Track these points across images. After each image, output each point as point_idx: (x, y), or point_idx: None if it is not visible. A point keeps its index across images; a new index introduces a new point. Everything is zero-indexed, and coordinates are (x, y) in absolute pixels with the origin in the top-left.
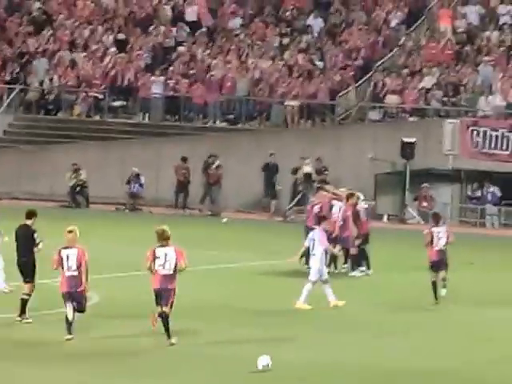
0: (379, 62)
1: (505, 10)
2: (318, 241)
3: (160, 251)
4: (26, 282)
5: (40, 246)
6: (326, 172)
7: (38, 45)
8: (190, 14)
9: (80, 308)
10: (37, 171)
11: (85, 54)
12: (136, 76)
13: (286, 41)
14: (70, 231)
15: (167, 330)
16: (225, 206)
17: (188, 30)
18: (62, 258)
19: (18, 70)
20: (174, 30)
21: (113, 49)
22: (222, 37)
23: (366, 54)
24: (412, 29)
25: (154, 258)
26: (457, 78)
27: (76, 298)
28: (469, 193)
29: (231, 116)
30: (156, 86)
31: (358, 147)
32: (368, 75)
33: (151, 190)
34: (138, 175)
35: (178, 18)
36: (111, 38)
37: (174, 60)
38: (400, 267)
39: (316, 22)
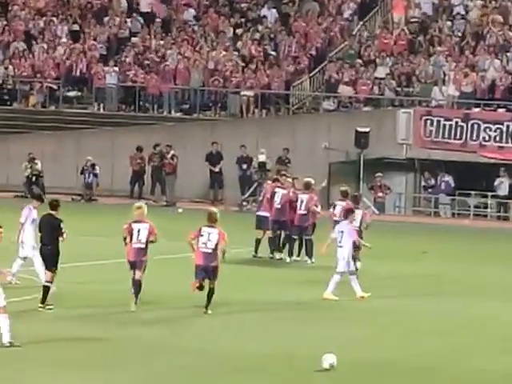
0: (333, 52)
1: (458, 1)
2: (346, 233)
3: (205, 230)
4: (48, 269)
5: (65, 235)
6: (289, 164)
7: None
8: (145, 5)
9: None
10: None
11: (39, 44)
12: (90, 66)
13: (240, 31)
14: (139, 207)
15: (209, 301)
16: (180, 196)
17: (142, 21)
18: (132, 230)
19: None
20: (129, 21)
21: (67, 39)
22: (176, 28)
23: (320, 44)
24: (366, 19)
25: (199, 235)
26: (410, 68)
27: (138, 266)
28: (423, 182)
29: (186, 106)
30: (110, 77)
31: (313, 137)
32: (322, 65)
33: (106, 180)
34: (93, 165)
35: (132, 9)
36: (66, 28)
37: (128, 51)
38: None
39: (270, 13)
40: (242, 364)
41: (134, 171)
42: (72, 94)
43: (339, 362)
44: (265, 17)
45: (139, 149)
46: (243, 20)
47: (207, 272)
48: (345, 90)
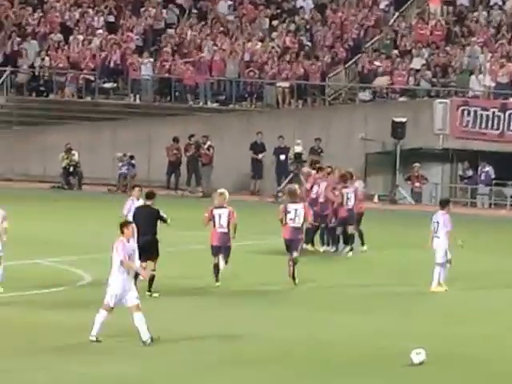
0: (369, 43)
1: None
2: (441, 223)
3: (291, 207)
4: (150, 259)
5: (169, 220)
6: (322, 153)
7: (29, 27)
8: None
9: (225, 259)
10: (29, 152)
11: (75, 36)
12: (126, 58)
13: (275, 22)
14: (222, 193)
15: (294, 273)
16: (216, 186)
17: (178, 12)
18: (214, 216)
19: (8, 51)
20: (165, 12)
21: (103, 31)
22: (212, 19)
23: (356, 35)
24: (402, 9)
25: (286, 212)
26: (446, 58)
27: (224, 251)
28: (460, 172)
29: (222, 97)
30: (146, 68)
31: (349, 127)
32: (357, 56)
33: (143, 171)
34: (131, 156)
35: (168, 0)
36: (102, 19)
37: (164, 42)
38: (393, 245)
39: (306, 3)
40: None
41: (171, 162)
42: (108, 85)
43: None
44: (301, 7)
45: (175, 139)
46: (279, 11)
47: (291, 245)
48: (381, 81)
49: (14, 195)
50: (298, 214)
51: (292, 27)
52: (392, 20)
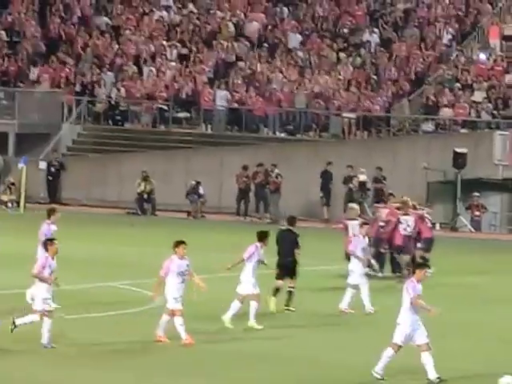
0: (432, 77)
1: None
2: None
3: (403, 218)
4: (291, 277)
5: (299, 250)
6: (384, 181)
7: (107, 58)
8: (251, 30)
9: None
10: (105, 179)
11: (150, 67)
12: (198, 88)
13: (342, 55)
14: (352, 208)
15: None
16: (284, 213)
17: (248, 45)
18: (346, 227)
19: (86, 82)
20: (236, 45)
21: (176, 63)
22: (282, 52)
23: (420, 68)
24: (463, 44)
25: (398, 222)
26: (506, 91)
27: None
28: None
29: (290, 127)
30: (219, 98)
31: (412, 157)
32: (421, 89)
33: (214, 198)
34: (197, 185)
35: (239, 33)
36: (175, 52)
37: (236, 73)
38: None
39: (372, 38)
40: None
41: (240, 189)
42: (181, 114)
43: None
44: (368, 41)
45: (245, 167)
46: (346, 45)
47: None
48: (445, 113)
49: (91, 219)
50: (409, 224)
51: (358, 60)
52: (454, 54)
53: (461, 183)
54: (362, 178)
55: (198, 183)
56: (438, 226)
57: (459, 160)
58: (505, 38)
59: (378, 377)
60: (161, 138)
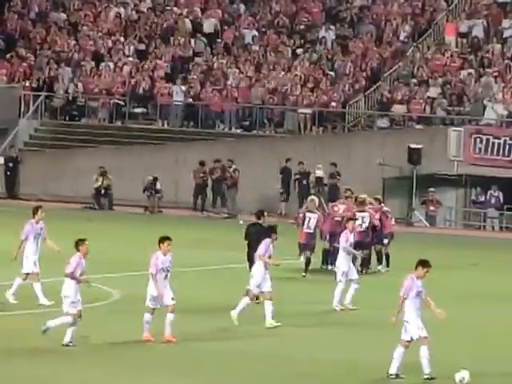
0: (387, 73)
1: (508, 24)
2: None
3: (359, 215)
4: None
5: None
6: (339, 177)
7: (64, 54)
8: (208, 26)
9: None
10: (62, 174)
11: (107, 63)
12: (155, 84)
13: (298, 51)
14: (312, 200)
15: None
16: (240, 208)
17: (205, 41)
18: (305, 219)
19: (43, 77)
20: (193, 41)
21: (133, 58)
22: (238, 48)
23: (375, 64)
24: (419, 41)
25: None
26: (461, 88)
27: (309, 248)
28: (473, 197)
29: (246, 122)
30: (175, 94)
31: (367, 153)
32: (376, 85)
33: (171, 193)
34: (154, 181)
35: (196, 29)
36: (132, 48)
37: (192, 70)
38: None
39: (328, 35)
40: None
41: (197, 184)
42: (138, 110)
43: None
44: (323, 37)
45: (202, 163)
46: (302, 41)
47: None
48: (399, 109)
49: (48, 214)
50: (364, 220)
51: (314, 57)
52: (410, 51)
53: (416, 179)
54: (319, 173)
55: (155, 179)
56: (393, 221)
57: (414, 156)
58: (460, 34)
59: (392, 376)
60: (117, 133)
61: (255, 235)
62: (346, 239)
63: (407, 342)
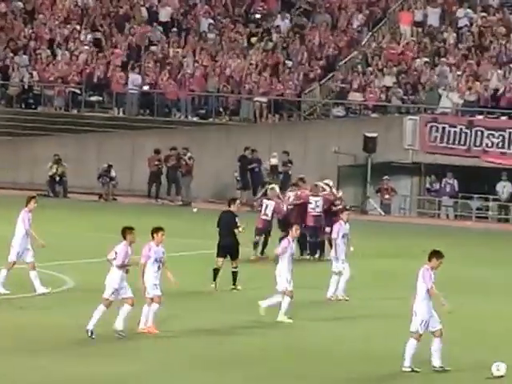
0: (343, 62)
1: (463, 13)
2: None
3: (312, 199)
4: (232, 258)
5: (240, 229)
6: (290, 165)
7: (20, 41)
8: (164, 14)
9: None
10: (17, 162)
11: (63, 51)
12: (111, 73)
13: (254, 40)
14: (272, 188)
15: None
16: (195, 196)
17: (161, 30)
18: (262, 205)
19: (0, 65)
20: (149, 29)
21: (89, 47)
22: (194, 36)
23: (331, 53)
24: (374, 30)
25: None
26: (416, 76)
27: (266, 232)
28: (428, 185)
29: (202, 111)
30: (131, 82)
31: (323, 141)
32: (332, 73)
33: (126, 181)
34: (109, 169)
35: (152, 18)
36: (89, 36)
37: (148, 58)
38: (367, 255)
39: (284, 23)
40: None
41: (152, 172)
42: (93, 98)
43: None
44: (278, 26)
45: (157, 151)
46: (258, 30)
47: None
48: (355, 97)
49: (2, 202)
50: (318, 204)
51: (270, 45)
52: (365, 40)
53: (371, 167)
54: (274, 161)
55: (110, 166)
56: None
57: (369, 144)
58: (415, 23)
59: (409, 370)
60: (73, 121)
61: (225, 222)
62: (338, 230)
63: (417, 333)
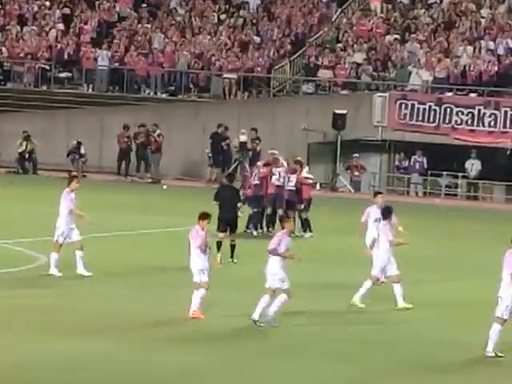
0: (312, 38)
1: None
2: None
3: (275, 170)
4: (232, 231)
5: (241, 210)
6: (258, 142)
7: None
8: None
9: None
10: None
11: (32, 27)
12: (80, 49)
13: (223, 17)
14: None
15: None
16: (164, 173)
17: (131, 5)
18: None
19: None
20: (118, 5)
21: (59, 23)
22: (163, 13)
23: (301, 29)
24: (344, 6)
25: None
26: (386, 53)
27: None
28: (397, 163)
29: (172, 87)
30: (100, 59)
31: (292, 118)
32: (302, 50)
33: (95, 158)
34: (78, 146)
35: None
36: (58, 12)
37: (117, 34)
38: (336, 232)
39: (252, 0)
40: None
41: (121, 149)
42: (63, 75)
43: None
44: (247, 3)
45: (126, 127)
46: (227, 6)
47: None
48: (324, 74)
49: None
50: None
51: (239, 22)
52: (335, 16)
53: (340, 144)
54: (243, 138)
55: (79, 143)
56: (318, 186)
57: (339, 121)
58: (385, 0)
59: (492, 355)
60: (43, 97)
61: (229, 197)
62: (369, 213)
63: (498, 317)
